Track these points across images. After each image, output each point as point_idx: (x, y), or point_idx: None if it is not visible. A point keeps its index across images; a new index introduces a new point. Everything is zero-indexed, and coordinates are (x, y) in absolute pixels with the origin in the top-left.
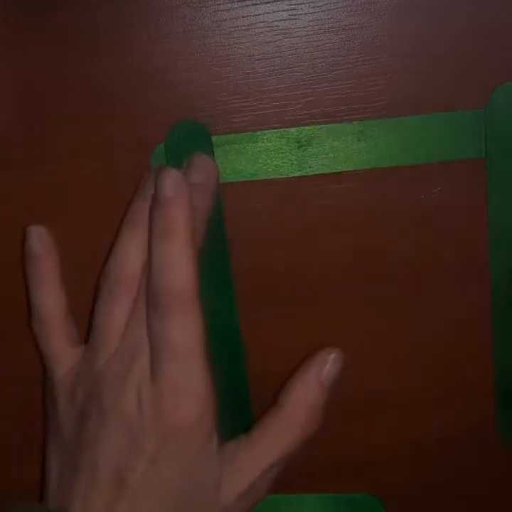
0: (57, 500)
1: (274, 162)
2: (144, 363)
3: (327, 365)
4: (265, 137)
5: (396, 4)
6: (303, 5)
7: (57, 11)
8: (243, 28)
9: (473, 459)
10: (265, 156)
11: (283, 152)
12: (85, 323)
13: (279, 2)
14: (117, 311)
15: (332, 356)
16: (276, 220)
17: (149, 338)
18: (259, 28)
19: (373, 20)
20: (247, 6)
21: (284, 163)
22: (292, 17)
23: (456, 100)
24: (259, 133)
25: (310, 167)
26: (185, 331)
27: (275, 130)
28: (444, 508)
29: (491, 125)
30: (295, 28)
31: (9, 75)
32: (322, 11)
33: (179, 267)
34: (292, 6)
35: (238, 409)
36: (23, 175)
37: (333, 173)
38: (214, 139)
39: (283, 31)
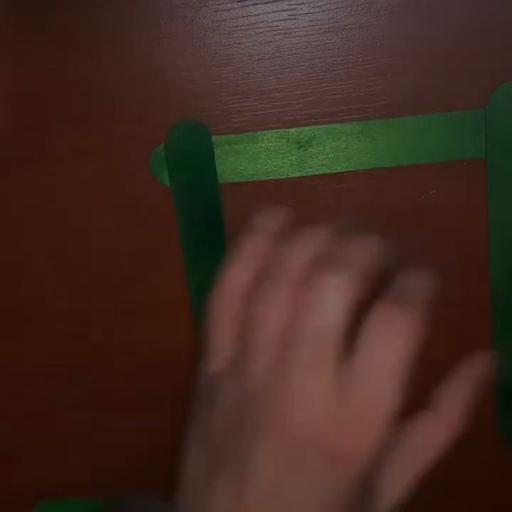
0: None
1: (274, 162)
2: (325, 379)
3: (481, 370)
4: (265, 137)
5: (396, 4)
6: (303, 5)
7: (57, 11)
8: (243, 28)
9: (473, 459)
10: (265, 157)
11: (283, 152)
12: (84, 320)
13: (279, 2)
14: (277, 312)
15: (484, 361)
16: None
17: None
18: (259, 28)
19: (373, 20)
20: (247, 6)
21: (284, 163)
22: (292, 17)
23: (456, 100)
24: (259, 133)
25: (310, 167)
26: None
27: (275, 130)
28: (444, 507)
29: (491, 125)
30: (295, 28)
31: (9, 75)
32: (322, 11)
33: None
34: (292, 6)
35: None
36: (23, 175)
37: (334, 173)
38: (214, 139)
39: (283, 31)
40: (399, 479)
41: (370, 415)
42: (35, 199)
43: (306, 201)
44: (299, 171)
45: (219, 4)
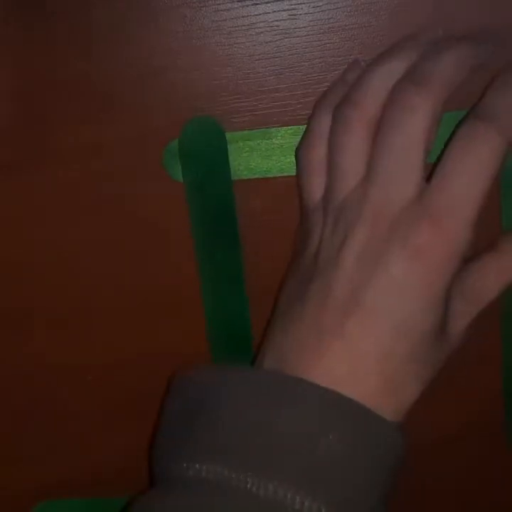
0: (280, 324)
1: (288, 159)
2: (407, 188)
3: None
4: (279, 134)
5: (396, 4)
6: (303, 5)
7: (57, 11)
8: (243, 28)
9: (478, 460)
10: (279, 153)
11: None
12: (83, 322)
13: (279, 2)
14: (358, 140)
15: None
16: (289, 218)
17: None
18: (259, 28)
19: (373, 20)
20: (247, 6)
21: None
22: (292, 17)
23: (456, 100)
24: (273, 130)
25: None
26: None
27: (289, 127)
28: (445, 509)
29: None
30: (295, 28)
31: (10, 75)
32: (322, 11)
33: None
34: (292, 6)
35: None
36: (23, 175)
37: None
38: (228, 135)
39: (283, 31)
40: (464, 315)
41: (450, 219)
42: (36, 200)
43: None
44: None
45: (219, 4)
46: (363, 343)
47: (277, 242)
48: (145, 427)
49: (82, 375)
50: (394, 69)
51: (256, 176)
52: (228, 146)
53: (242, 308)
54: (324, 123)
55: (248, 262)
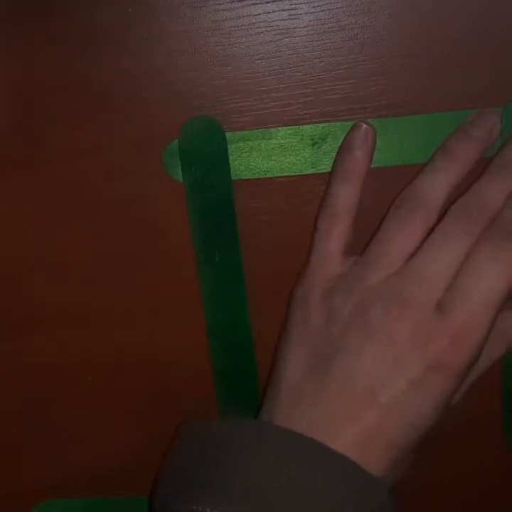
0: (290, 399)
1: (288, 159)
2: (431, 295)
3: None
4: (279, 134)
5: (396, 4)
6: (303, 4)
7: (57, 11)
8: (243, 27)
9: (477, 460)
10: (279, 153)
11: (297, 149)
12: (83, 322)
13: (279, 2)
14: (410, 232)
15: None
16: (288, 218)
17: (466, 272)
18: (259, 27)
19: (373, 20)
20: (247, 5)
21: (297, 160)
22: (292, 17)
23: (456, 100)
24: (273, 130)
25: (324, 164)
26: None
27: (289, 127)
28: (445, 509)
29: (508, 124)
30: (295, 28)
31: (11, 75)
32: (322, 11)
33: None
34: (292, 6)
35: (248, 405)
36: (25, 175)
37: None
38: (228, 135)
39: (283, 31)
40: (490, 355)
41: (469, 338)
42: (36, 200)
43: (318, 199)
44: (313, 167)
45: (219, 4)
46: (377, 433)
47: (277, 242)
48: (145, 428)
49: (82, 375)
50: (457, 177)
51: (256, 176)
52: (228, 146)
53: (242, 308)
54: (348, 195)
55: (248, 261)
